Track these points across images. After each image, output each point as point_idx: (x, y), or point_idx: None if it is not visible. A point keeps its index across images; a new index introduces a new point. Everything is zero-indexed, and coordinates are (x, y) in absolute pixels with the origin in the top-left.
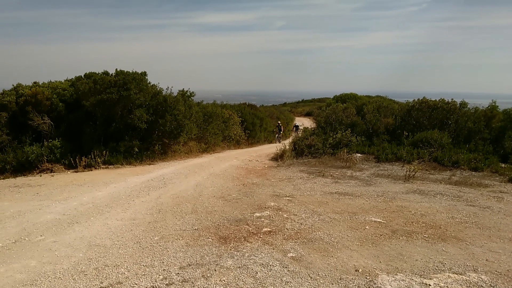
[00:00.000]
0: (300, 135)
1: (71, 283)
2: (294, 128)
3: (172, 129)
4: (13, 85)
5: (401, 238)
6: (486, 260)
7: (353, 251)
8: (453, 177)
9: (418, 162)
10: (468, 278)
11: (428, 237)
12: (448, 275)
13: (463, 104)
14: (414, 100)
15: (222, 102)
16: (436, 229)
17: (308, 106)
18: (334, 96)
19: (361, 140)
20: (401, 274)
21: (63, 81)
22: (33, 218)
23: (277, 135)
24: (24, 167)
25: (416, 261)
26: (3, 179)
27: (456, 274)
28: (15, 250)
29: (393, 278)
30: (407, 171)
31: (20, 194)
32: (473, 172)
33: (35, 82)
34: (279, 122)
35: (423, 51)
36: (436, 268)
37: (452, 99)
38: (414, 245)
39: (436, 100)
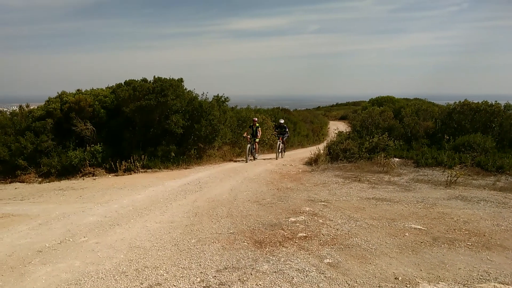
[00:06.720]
0: (281, 143)
1: (113, 283)
2: (277, 131)
3: (207, 134)
4: (58, 93)
5: (442, 245)
6: None
7: (392, 258)
8: (497, 182)
9: (460, 167)
10: None
11: (471, 245)
12: (494, 285)
13: (508, 106)
14: (455, 102)
15: (256, 107)
16: (480, 237)
17: (342, 110)
18: (370, 99)
19: (399, 144)
20: (443, 283)
21: (104, 88)
22: (77, 220)
23: (248, 145)
24: (68, 171)
25: (459, 269)
26: (49, 182)
27: (503, 284)
28: (60, 250)
29: (435, 287)
30: (448, 176)
31: (64, 197)
32: None
33: (78, 90)
34: (255, 119)
35: (464, 52)
36: (481, 277)
37: (496, 101)
38: (456, 253)
39: (478, 102)
